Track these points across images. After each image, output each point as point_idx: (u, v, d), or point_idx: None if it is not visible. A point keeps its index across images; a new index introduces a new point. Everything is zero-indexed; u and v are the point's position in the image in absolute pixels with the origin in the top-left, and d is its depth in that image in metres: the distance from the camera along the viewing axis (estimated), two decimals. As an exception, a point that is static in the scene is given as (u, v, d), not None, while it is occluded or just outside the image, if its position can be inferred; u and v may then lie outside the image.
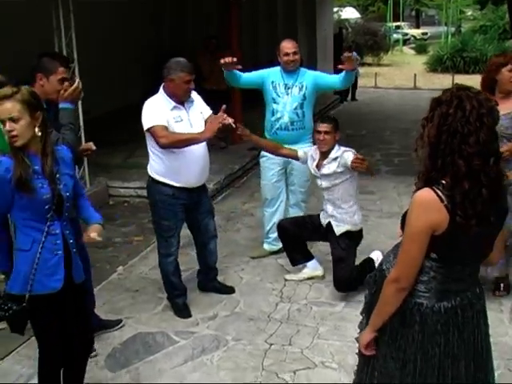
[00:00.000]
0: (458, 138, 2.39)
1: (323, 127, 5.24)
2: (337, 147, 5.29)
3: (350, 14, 38.46)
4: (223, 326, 4.89)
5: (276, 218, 6.09)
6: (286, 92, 5.82)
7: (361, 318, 2.95)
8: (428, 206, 2.42)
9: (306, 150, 5.56)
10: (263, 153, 6.01)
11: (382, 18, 37.95)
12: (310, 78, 5.87)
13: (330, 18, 19.12)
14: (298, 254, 5.61)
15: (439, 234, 2.43)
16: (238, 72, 5.80)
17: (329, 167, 5.27)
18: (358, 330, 2.93)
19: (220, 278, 5.56)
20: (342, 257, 5.24)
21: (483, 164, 2.40)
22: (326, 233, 5.41)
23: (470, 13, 39.14)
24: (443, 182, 2.42)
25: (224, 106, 4.88)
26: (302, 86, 5.82)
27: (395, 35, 38.00)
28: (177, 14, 14.60)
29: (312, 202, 6.57)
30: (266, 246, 6.26)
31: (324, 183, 5.35)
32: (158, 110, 4.75)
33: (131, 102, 12.60)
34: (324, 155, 5.31)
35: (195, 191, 4.99)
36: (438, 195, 2.41)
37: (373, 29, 30.29)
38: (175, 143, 4.71)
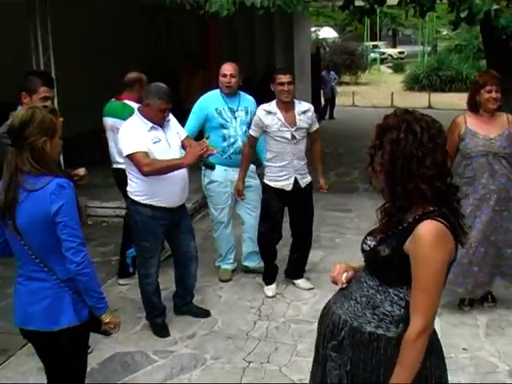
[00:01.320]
0: (414, 161, 2.33)
1: (287, 78, 5.40)
2: (296, 100, 5.57)
3: (327, 33, 38.82)
4: (202, 345, 4.89)
5: (233, 240, 6.25)
6: (233, 116, 5.87)
7: None
8: (445, 237, 2.32)
9: (254, 122, 5.57)
10: (213, 178, 5.98)
11: (360, 38, 38.37)
12: (251, 103, 6.04)
13: (308, 38, 19.31)
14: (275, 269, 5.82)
15: (450, 262, 2.38)
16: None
17: (301, 119, 5.47)
18: None
19: (198, 298, 5.57)
20: (311, 213, 5.77)
21: (444, 185, 2.38)
22: (290, 198, 5.57)
23: (445, 32, 39.59)
24: (431, 210, 2.35)
25: (205, 138, 5.06)
26: (248, 111, 5.93)
27: (372, 54, 38.47)
28: (165, 34, 14.67)
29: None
30: (227, 267, 6.26)
31: (298, 135, 5.46)
32: (136, 134, 4.73)
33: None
34: (287, 108, 5.46)
35: (176, 211, 4.99)
36: (442, 223, 2.32)
37: (350, 48, 30.72)
38: (158, 170, 4.72)
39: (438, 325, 2.98)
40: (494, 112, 5.05)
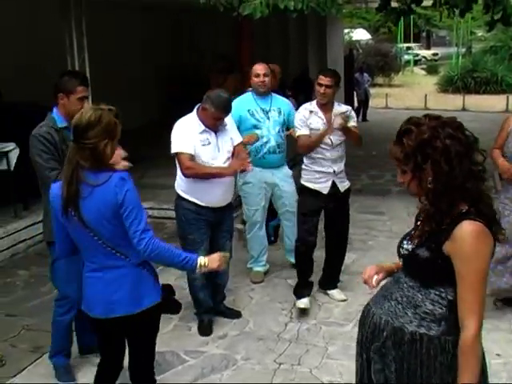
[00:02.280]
0: (465, 162, 2.35)
1: (325, 80, 5.25)
2: (336, 102, 5.43)
3: (360, 35, 38.61)
4: (233, 346, 4.92)
5: (266, 241, 6.27)
6: (266, 116, 5.89)
7: None
8: (485, 236, 2.34)
9: (298, 120, 5.39)
10: (247, 179, 6.01)
11: (393, 39, 38.11)
12: (285, 106, 6.05)
13: (341, 39, 19.25)
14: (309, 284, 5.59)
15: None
16: None
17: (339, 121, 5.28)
18: None
19: (230, 298, 5.60)
20: (347, 219, 5.67)
21: (483, 183, 2.45)
22: (326, 202, 5.43)
23: (480, 33, 39.16)
24: (466, 209, 2.38)
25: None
26: (281, 111, 5.95)
27: (406, 56, 38.11)
28: (194, 34, 14.76)
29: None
30: (259, 269, 6.28)
31: (335, 140, 5.32)
32: (186, 134, 4.82)
33: (149, 119, 12.81)
34: (325, 110, 5.34)
35: (219, 210, 5.04)
36: (481, 222, 2.34)
37: (383, 50, 30.52)
38: (199, 175, 4.82)
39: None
40: None
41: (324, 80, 5.24)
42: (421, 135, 2.36)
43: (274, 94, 6.07)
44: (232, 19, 7.87)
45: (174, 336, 5.08)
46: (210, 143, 4.86)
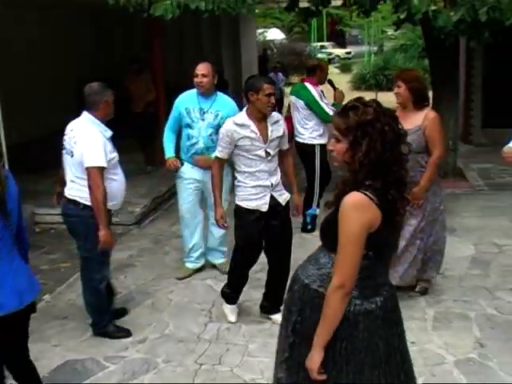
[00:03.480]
0: (397, 149, 2.63)
1: (273, 89, 4.83)
2: None
3: (275, 35, 38.95)
4: (153, 349, 4.89)
5: (196, 238, 6.20)
6: (200, 117, 5.83)
7: None
8: (362, 206, 2.55)
9: (223, 140, 4.92)
10: (179, 173, 6.06)
11: (307, 39, 38.64)
12: (226, 109, 5.81)
13: (254, 40, 19.40)
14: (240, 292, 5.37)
15: (374, 231, 2.57)
16: (172, 139, 6.05)
17: (275, 130, 4.94)
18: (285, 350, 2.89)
19: (149, 301, 5.60)
20: (290, 234, 5.18)
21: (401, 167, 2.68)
22: (267, 220, 4.98)
23: (390, 32, 40.11)
24: (369, 183, 2.58)
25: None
26: (218, 115, 5.79)
27: (320, 55, 38.69)
28: (106, 36, 14.55)
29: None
30: (189, 265, 6.31)
31: (271, 151, 4.93)
32: (102, 148, 4.70)
33: (55, 127, 12.53)
34: (262, 120, 4.87)
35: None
36: (367, 196, 2.56)
37: (298, 49, 30.92)
38: (99, 200, 4.64)
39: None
40: (413, 107, 5.25)
41: (272, 88, 4.78)
42: (366, 114, 2.60)
43: (220, 95, 5.96)
44: (145, 20, 7.83)
45: (93, 343, 5.01)
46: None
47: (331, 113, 6.80)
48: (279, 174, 5.08)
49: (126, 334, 5.11)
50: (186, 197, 6.10)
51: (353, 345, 2.68)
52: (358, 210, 2.55)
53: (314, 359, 2.65)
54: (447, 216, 7.60)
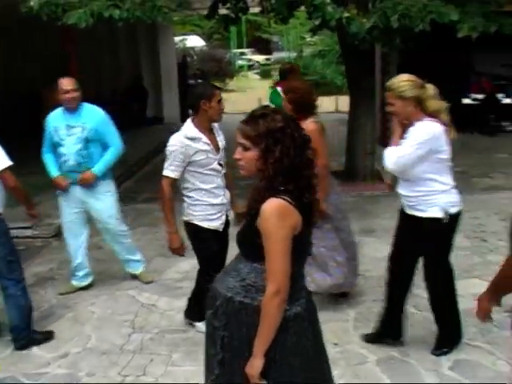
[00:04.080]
0: (305, 153, 2.67)
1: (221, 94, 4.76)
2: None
3: (195, 41, 38.91)
4: (75, 363, 4.80)
5: (79, 258, 6.05)
6: (67, 134, 5.63)
7: None
8: (285, 211, 2.57)
9: (174, 157, 4.57)
10: (59, 192, 5.89)
11: (227, 45, 38.77)
12: (95, 119, 5.68)
13: (173, 47, 19.30)
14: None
15: (297, 234, 2.60)
16: (52, 158, 5.82)
17: (221, 140, 4.86)
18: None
19: (70, 315, 5.49)
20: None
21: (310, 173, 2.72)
22: (220, 241, 4.83)
23: (309, 38, 40.72)
24: (284, 188, 2.60)
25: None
26: (85, 128, 5.63)
27: (240, 61, 38.93)
28: (18, 48, 14.20)
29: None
30: (74, 283, 6.16)
31: (223, 162, 4.77)
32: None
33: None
34: (210, 131, 4.75)
35: None
36: (286, 201, 2.58)
37: (218, 56, 31.04)
38: None
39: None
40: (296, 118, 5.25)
41: (221, 95, 4.73)
42: (276, 121, 2.63)
43: (86, 106, 5.74)
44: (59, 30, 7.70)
45: (13, 360, 4.88)
46: None
47: None
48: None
49: (50, 335, 5.12)
50: (67, 216, 5.96)
51: (285, 350, 2.69)
52: (281, 215, 2.56)
53: (255, 366, 2.64)
54: (366, 218, 7.82)
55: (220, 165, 4.73)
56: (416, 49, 8.80)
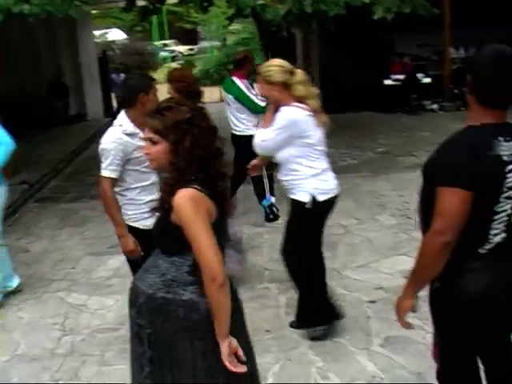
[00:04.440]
0: (214, 143, 2.67)
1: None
2: None
3: (116, 35, 38.33)
4: (5, 372, 4.64)
5: None
6: None
7: None
8: (197, 199, 2.55)
9: (114, 157, 4.18)
10: None
11: (149, 37, 38.37)
12: None
13: (92, 41, 18.97)
14: None
15: (212, 222, 2.58)
16: None
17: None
18: None
19: (-3, 322, 5.33)
20: None
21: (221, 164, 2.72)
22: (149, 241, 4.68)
23: (232, 27, 40.67)
24: (194, 178, 2.59)
25: None
26: None
27: (163, 53, 38.58)
28: None
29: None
30: None
31: None
32: None
33: None
34: (144, 123, 4.35)
35: None
36: (196, 189, 2.56)
37: (140, 48, 30.59)
38: None
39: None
40: None
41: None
42: (183, 113, 2.61)
43: None
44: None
45: None
46: None
47: (261, 103, 6.86)
48: None
49: None
50: None
51: (214, 342, 2.63)
52: (194, 202, 2.54)
53: (224, 352, 2.58)
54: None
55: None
56: (337, 32, 8.90)
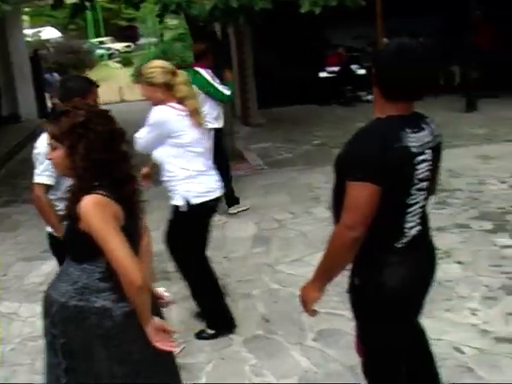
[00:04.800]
0: (117, 147, 2.61)
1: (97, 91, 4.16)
2: None
3: (50, 33, 37.59)
4: None
5: None
6: None
7: None
8: (102, 203, 2.50)
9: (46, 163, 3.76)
10: None
11: (84, 35, 37.80)
12: None
13: (23, 40, 18.55)
14: None
15: (122, 225, 2.54)
16: None
17: None
18: None
19: None
20: None
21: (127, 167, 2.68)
22: None
23: (170, 22, 40.28)
24: (98, 184, 2.54)
25: None
26: None
27: (99, 51, 38.05)
28: None
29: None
30: None
31: None
32: None
33: None
34: None
35: None
36: (101, 195, 2.51)
37: (75, 46, 30.14)
38: None
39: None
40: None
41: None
42: (78, 117, 2.55)
43: None
44: None
45: None
46: None
47: (226, 92, 6.89)
48: None
49: None
50: None
51: (130, 348, 2.63)
52: (100, 208, 2.49)
53: (151, 335, 2.60)
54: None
55: None
56: (270, 26, 8.89)
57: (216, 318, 4.72)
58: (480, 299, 4.83)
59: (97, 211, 2.48)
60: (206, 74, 7.04)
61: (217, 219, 5.99)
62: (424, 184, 2.69)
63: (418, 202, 2.70)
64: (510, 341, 4.23)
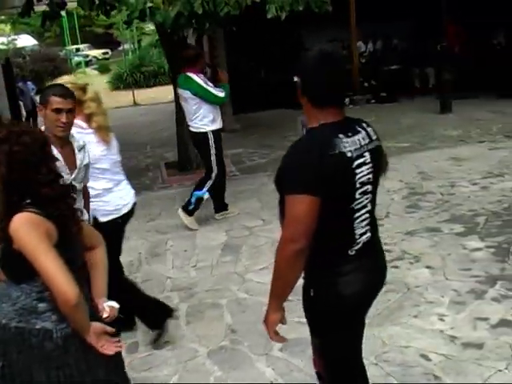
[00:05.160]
0: (31, 169, 2.48)
1: (67, 103, 3.68)
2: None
3: (25, 41, 37.37)
4: None
5: None
6: None
7: None
8: (33, 221, 2.43)
9: None
10: None
11: (61, 43, 37.61)
12: None
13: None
14: None
15: (56, 243, 2.46)
16: None
17: (83, 158, 3.99)
18: None
19: None
20: None
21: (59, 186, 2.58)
22: None
23: (148, 28, 40.16)
24: (28, 202, 2.47)
25: None
26: None
27: (76, 58, 37.90)
28: None
29: None
30: None
31: (78, 184, 3.80)
32: None
33: None
34: (65, 144, 3.84)
35: None
36: (31, 212, 2.44)
37: (51, 54, 30.04)
38: None
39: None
40: None
41: (64, 103, 3.66)
42: None
43: None
44: None
45: None
46: None
47: (220, 94, 6.92)
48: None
49: None
50: None
51: (70, 371, 2.55)
52: (31, 225, 2.42)
53: (93, 341, 2.55)
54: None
55: (73, 188, 3.23)
56: (243, 31, 8.80)
57: (151, 317, 4.70)
58: (448, 304, 4.79)
59: (27, 230, 2.41)
60: (197, 78, 7.01)
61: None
62: (368, 187, 2.64)
63: (364, 206, 2.65)
64: (477, 346, 4.19)
